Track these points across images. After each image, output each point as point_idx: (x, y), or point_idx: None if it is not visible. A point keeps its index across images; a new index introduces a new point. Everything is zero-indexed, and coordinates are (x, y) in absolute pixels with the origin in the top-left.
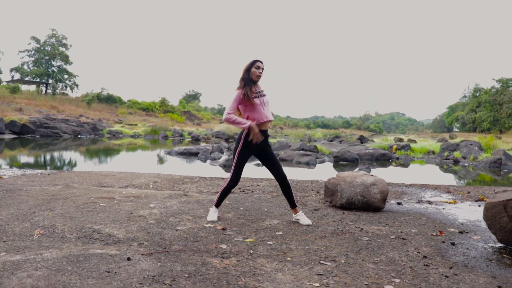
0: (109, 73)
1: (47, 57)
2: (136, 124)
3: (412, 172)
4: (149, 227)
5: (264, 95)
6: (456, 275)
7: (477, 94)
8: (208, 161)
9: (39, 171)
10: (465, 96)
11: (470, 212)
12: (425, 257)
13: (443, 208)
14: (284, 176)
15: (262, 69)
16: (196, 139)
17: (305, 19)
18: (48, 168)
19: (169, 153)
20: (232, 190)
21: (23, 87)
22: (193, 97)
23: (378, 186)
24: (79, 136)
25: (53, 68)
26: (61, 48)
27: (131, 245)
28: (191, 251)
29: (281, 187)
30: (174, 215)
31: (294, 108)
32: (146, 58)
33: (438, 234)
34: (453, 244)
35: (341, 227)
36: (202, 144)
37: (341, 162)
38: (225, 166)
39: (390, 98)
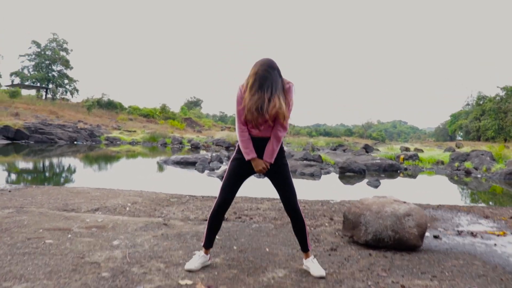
0: (111, 79)
1: (47, 62)
2: (135, 131)
3: (423, 185)
4: (98, 286)
5: None
6: None
7: (481, 102)
8: (206, 171)
9: (2, 186)
10: (468, 104)
11: None
12: None
13: (495, 244)
14: (297, 210)
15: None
16: (195, 147)
17: (308, 25)
18: (16, 182)
19: (165, 162)
20: (226, 217)
21: (24, 92)
22: (194, 103)
23: (414, 218)
24: (75, 142)
25: (53, 72)
26: (62, 53)
27: None
28: None
29: (292, 223)
30: (141, 261)
31: (296, 116)
32: (148, 64)
33: None
34: None
35: (372, 282)
36: (202, 153)
37: (348, 173)
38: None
39: (392, 106)
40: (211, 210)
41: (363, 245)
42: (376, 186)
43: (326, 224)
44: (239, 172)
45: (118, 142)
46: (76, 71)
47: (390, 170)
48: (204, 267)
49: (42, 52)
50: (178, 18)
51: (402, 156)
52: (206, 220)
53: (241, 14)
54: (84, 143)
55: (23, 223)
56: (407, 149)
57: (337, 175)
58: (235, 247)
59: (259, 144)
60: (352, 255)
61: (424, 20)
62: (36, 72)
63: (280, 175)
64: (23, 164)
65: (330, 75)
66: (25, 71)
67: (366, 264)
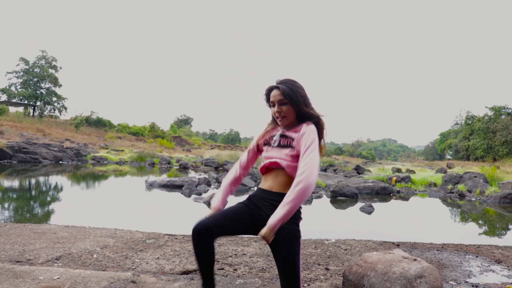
0: (100, 97)
1: (35, 79)
2: (122, 150)
3: (418, 209)
4: None
5: (283, 146)
6: None
7: (470, 122)
8: (193, 196)
9: None
10: (457, 123)
11: None
12: None
13: None
14: None
15: (281, 102)
16: (184, 167)
17: (296, 42)
18: None
19: (151, 185)
20: None
21: (11, 109)
22: (184, 121)
23: (428, 280)
24: (60, 162)
25: (41, 90)
26: (51, 70)
27: None
28: None
29: None
30: None
31: None
32: (138, 82)
33: None
34: None
35: None
36: (190, 174)
37: (339, 197)
38: (210, 204)
39: (382, 124)
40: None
41: None
42: (369, 212)
43: (321, 277)
44: (241, 212)
45: (105, 162)
46: (65, 89)
47: (383, 193)
48: None
49: (31, 70)
50: (168, 36)
51: (394, 178)
52: (183, 272)
53: (232, 27)
54: (70, 162)
55: None
56: (398, 170)
57: (329, 199)
58: None
59: None
60: None
61: (414, 39)
62: (24, 90)
63: (283, 249)
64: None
65: (319, 92)
66: (13, 88)
67: None
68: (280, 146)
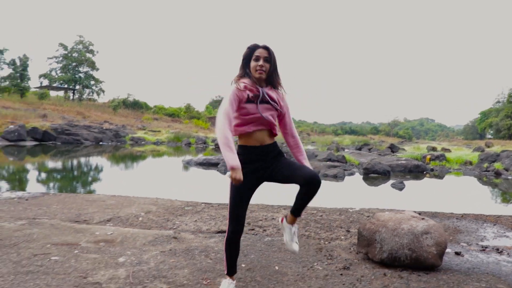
0: (136, 79)
1: (74, 64)
2: (159, 131)
3: (450, 187)
4: None
5: (267, 102)
6: None
7: None
8: (228, 173)
9: (20, 193)
10: (498, 102)
11: None
12: None
13: None
14: (316, 177)
15: (267, 61)
16: (219, 147)
17: (334, 23)
18: (35, 189)
19: (188, 163)
20: None
21: (52, 93)
22: (219, 102)
23: (433, 236)
24: (100, 143)
25: (80, 74)
26: (88, 54)
27: None
28: None
29: (305, 190)
30: (144, 280)
31: (321, 114)
32: (174, 64)
33: None
34: None
35: None
36: None
37: (372, 174)
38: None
39: (419, 104)
40: (225, 236)
41: (378, 263)
42: (400, 189)
43: (342, 237)
44: (244, 188)
45: (142, 142)
46: (102, 72)
47: (416, 171)
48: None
49: (69, 54)
50: (203, 19)
51: (428, 157)
52: (218, 232)
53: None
54: (109, 143)
55: (32, 237)
56: (434, 149)
57: (361, 176)
58: (243, 265)
59: None
60: (366, 274)
61: (454, 15)
62: (63, 74)
63: (286, 163)
64: (46, 167)
65: (356, 73)
66: (53, 73)
67: (379, 286)
68: (270, 105)
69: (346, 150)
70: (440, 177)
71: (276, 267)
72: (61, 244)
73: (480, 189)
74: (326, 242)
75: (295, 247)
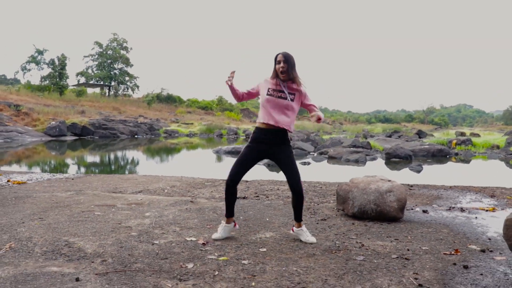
0: (169, 74)
1: (109, 61)
2: (192, 123)
3: (469, 170)
4: (127, 240)
5: (285, 98)
6: None
7: None
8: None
9: (67, 175)
10: None
11: None
12: (420, 285)
13: (475, 217)
14: (300, 191)
15: (284, 62)
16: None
17: (367, 10)
18: (78, 171)
19: (217, 152)
20: (246, 195)
21: (89, 90)
22: None
23: (395, 193)
24: (135, 136)
25: (115, 71)
26: (122, 51)
27: (93, 262)
28: (151, 270)
29: (293, 198)
30: (163, 225)
31: (355, 103)
32: (207, 57)
33: (452, 253)
34: (465, 267)
35: (339, 242)
36: None
37: (393, 159)
38: (269, 165)
39: (457, 90)
40: (225, 183)
41: (351, 216)
42: (418, 171)
43: (331, 201)
44: (251, 156)
45: (176, 135)
46: (136, 68)
47: (439, 155)
48: (209, 230)
49: (104, 52)
50: (232, 11)
51: (454, 141)
52: None
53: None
54: (144, 136)
55: (79, 201)
56: (462, 134)
57: (383, 161)
58: (241, 217)
59: None
60: (337, 223)
61: None
62: (99, 71)
63: (283, 161)
64: (87, 157)
65: (390, 60)
66: (89, 71)
67: (345, 230)
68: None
69: (375, 137)
70: (465, 161)
71: (267, 219)
72: (102, 205)
73: (501, 170)
74: (316, 204)
75: (313, 239)
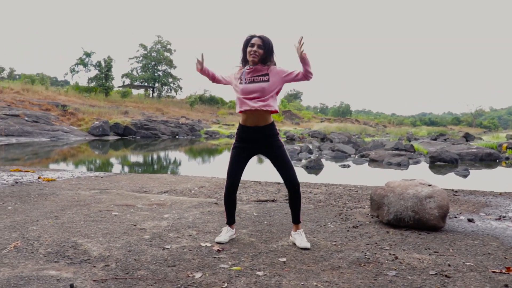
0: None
1: (153, 63)
2: (233, 124)
3: None
4: (137, 243)
5: (252, 81)
6: None
7: None
8: (293, 161)
9: (97, 173)
10: None
11: None
12: None
13: None
14: (295, 183)
15: (259, 46)
16: (291, 139)
17: (412, 13)
18: (110, 170)
19: None
20: (275, 198)
21: (133, 92)
22: (294, 96)
23: (436, 200)
24: (176, 137)
25: (159, 72)
26: (166, 53)
27: (95, 266)
28: (154, 279)
29: (289, 196)
30: (180, 229)
31: (400, 105)
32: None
33: (503, 271)
34: None
35: (370, 253)
36: (296, 144)
37: (438, 162)
38: (307, 168)
39: (508, 91)
40: (223, 193)
41: (386, 224)
42: (464, 176)
43: (366, 207)
44: (240, 158)
45: (217, 136)
46: (180, 70)
47: (488, 159)
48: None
49: (148, 54)
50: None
51: (505, 145)
52: (255, 201)
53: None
54: (185, 137)
55: (100, 200)
56: None
57: (427, 165)
58: (265, 222)
59: None
60: (370, 232)
61: None
62: (143, 73)
63: (273, 155)
64: (124, 156)
65: (437, 61)
66: (134, 72)
67: (377, 239)
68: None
69: (419, 140)
70: None
71: None
72: (122, 205)
73: None
74: (349, 210)
75: (307, 244)
